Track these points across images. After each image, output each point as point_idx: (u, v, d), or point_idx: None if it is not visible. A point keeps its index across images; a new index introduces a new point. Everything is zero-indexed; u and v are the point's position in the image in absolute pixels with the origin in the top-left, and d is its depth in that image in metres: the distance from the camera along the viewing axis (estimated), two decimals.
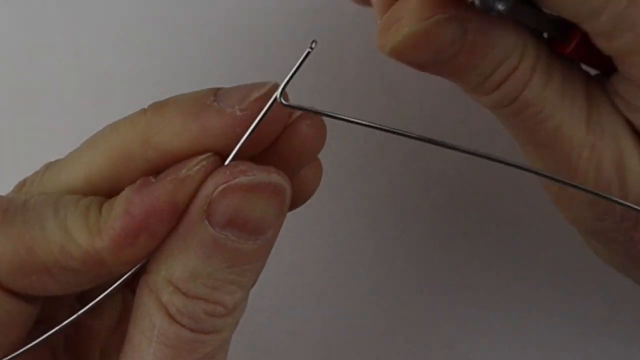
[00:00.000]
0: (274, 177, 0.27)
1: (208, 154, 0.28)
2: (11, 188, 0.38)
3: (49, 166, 0.30)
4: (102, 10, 0.41)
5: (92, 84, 0.41)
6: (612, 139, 0.30)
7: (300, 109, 0.28)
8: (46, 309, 0.31)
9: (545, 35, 0.32)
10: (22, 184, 0.31)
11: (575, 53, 0.31)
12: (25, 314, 0.29)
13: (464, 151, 0.29)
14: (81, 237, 0.28)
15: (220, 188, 0.27)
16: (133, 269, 0.28)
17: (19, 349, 0.30)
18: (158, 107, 0.28)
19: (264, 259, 0.29)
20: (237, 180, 0.27)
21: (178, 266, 0.27)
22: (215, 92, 0.28)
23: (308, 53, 0.28)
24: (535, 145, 0.31)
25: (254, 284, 0.29)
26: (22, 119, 0.41)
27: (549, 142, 0.30)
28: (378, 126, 0.29)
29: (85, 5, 0.42)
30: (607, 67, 0.31)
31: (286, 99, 0.28)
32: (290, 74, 0.28)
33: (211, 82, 0.38)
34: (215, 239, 0.27)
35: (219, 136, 0.28)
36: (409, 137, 0.29)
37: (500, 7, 0.28)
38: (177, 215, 0.27)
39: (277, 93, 0.28)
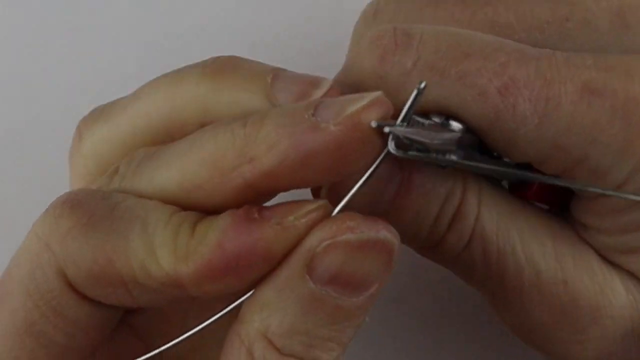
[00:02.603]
0: (383, 234, 0.26)
1: (319, 204, 0.26)
2: (12, 188, 0.38)
3: (143, 159, 0.29)
4: (103, 8, 0.41)
5: (94, 83, 0.41)
6: (585, 270, 0.29)
7: (420, 158, 0.26)
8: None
9: (504, 183, 0.31)
10: (115, 171, 0.29)
11: (536, 196, 0.30)
12: (104, 318, 0.28)
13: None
14: (165, 258, 0.26)
15: (325, 244, 0.25)
16: (237, 302, 0.27)
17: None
18: (254, 121, 0.26)
19: (365, 315, 0.27)
20: (343, 237, 0.25)
21: (274, 320, 0.26)
22: (316, 106, 0.26)
23: (417, 94, 0.26)
24: (503, 286, 0.29)
25: (351, 340, 0.27)
26: (23, 118, 0.41)
27: (516, 281, 0.29)
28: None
29: (86, 4, 0.42)
30: (563, 200, 0.30)
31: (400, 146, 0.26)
32: (402, 114, 0.26)
33: None
34: (316, 295, 0.26)
35: (315, 153, 0.26)
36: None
37: (454, 157, 0.27)
38: (271, 263, 0.26)
39: (391, 146, 0.26)
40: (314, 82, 0.27)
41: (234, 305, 0.27)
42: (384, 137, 0.26)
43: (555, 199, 0.30)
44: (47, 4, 0.41)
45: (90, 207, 0.27)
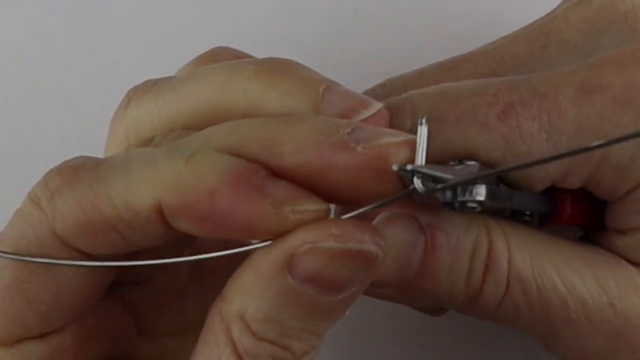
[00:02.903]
0: (367, 245, 0.26)
1: (320, 207, 0.26)
2: (13, 188, 0.38)
3: (180, 134, 0.29)
4: (105, 7, 0.41)
5: (96, 82, 0.41)
6: (629, 287, 0.29)
7: (445, 188, 0.26)
8: (132, 275, 0.30)
9: (528, 214, 0.30)
10: (149, 141, 0.29)
11: (571, 219, 0.30)
12: (95, 279, 0.28)
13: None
14: (148, 188, 0.26)
15: (306, 247, 0.25)
16: (255, 246, 0.26)
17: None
18: (295, 120, 0.26)
19: (345, 310, 0.27)
20: (325, 243, 0.25)
21: (251, 305, 0.26)
22: (355, 127, 0.26)
23: (422, 129, 0.26)
24: (551, 323, 0.29)
25: (328, 329, 0.28)
26: (24, 118, 0.41)
27: (563, 315, 0.29)
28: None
29: (88, 2, 0.42)
30: (597, 217, 0.30)
31: (426, 185, 0.26)
32: (418, 153, 0.26)
33: None
34: (293, 290, 0.26)
35: (335, 167, 0.26)
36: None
37: (480, 197, 0.27)
38: (250, 236, 0.26)
39: (417, 184, 0.26)
40: (364, 102, 0.27)
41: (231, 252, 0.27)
42: (404, 178, 0.26)
43: (588, 216, 0.30)
44: (47, 4, 0.41)
45: (76, 164, 0.27)
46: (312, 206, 0.26)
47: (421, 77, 0.32)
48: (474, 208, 0.27)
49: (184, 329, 0.33)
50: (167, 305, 0.33)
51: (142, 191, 0.26)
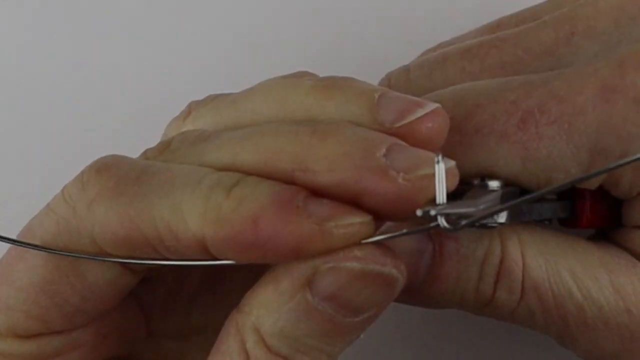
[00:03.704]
0: (388, 269, 0.25)
1: (364, 219, 0.25)
2: (13, 189, 0.38)
3: (198, 137, 0.29)
4: (105, 8, 0.41)
5: (96, 83, 0.41)
6: None
7: (471, 226, 0.25)
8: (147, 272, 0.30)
9: (548, 221, 0.30)
10: (167, 145, 0.29)
11: (591, 222, 0.30)
12: (125, 283, 0.28)
13: None
14: (193, 219, 0.26)
15: (328, 265, 0.25)
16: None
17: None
18: (324, 133, 0.26)
19: (360, 332, 0.27)
20: (346, 264, 0.25)
21: (268, 319, 0.26)
22: (389, 147, 0.26)
23: (443, 168, 0.25)
24: (568, 327, 0.29)
25: (342, 351, 0.28)
26: (25, 117, 0.41)
27: (580, 320, 0.29)
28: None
29: (89, 3, 0.42)
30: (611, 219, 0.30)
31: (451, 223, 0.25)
32: (438, 195, 0.25)
33: (214, 81, 0.38)
34: (312, 307, 0.26)
35: (372, 194, 0.25)
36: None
37: (502, 220, 0.27)
38: (296, 257, 0.26)
39: (442, 223, 0.25)
40: (419, 103, 0.27)
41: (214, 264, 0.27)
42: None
43: (607, 217, 0.30)
44: (48, 4, 0.41)
45: (117, 172, 0.27)
46: (355, 219, 0.26)
47: (445, 62, 0.32)
48: (493, 227, 0.27)
49: (188, 334, 0.33)
50: (174, 308, 0.33)
51: (187, 222, 0.26)
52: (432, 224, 0.26)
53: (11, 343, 0.29)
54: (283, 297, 0.26)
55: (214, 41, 0.40)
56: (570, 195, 0.29)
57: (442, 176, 0.25)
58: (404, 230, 0.26)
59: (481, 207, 0.25)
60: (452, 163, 0.26)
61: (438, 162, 0.25)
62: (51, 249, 0.28)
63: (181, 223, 0.26)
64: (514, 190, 0.28)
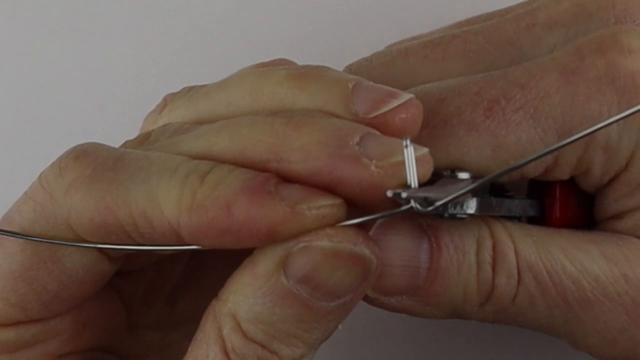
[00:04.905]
0: (359, 248, 0.26)
1: (335, 202, 0.26)
2: (13, 189, 0.38)
3: (177, 130, 0.29)
4: (105, 7, 0.41)
5: (96, 82, 0.41)
6: (637, 256, 0.29)
7: (440, 211, 0.27)
8: (126, 264, 0.30)
9: (517, 218, 0.30)
10: (146, 137, 0.29)
11: (560, 221, 0.30)
12: (102, 270, 0.29)
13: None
14: (168, 207, 0.26)
15: (300, 245, 0.26)
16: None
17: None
18: (297, 123, 0.26)
19: (338, 321, 0.27)
20: (318, 243, 0.26)
21: (244, 304, 0.26)
22: (363, 136, 0.26)
23: (412, 151, 0.26)
24: (571, 308, 0.29)
25: (321, 343, 0.28)
26: (25, 117, 0.41)
27: (580, 296, 0.29)
28: None
29: (89, 2, 0.42)
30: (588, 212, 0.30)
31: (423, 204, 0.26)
32: (408, 177, 0.26)
33: (215, 79, 0.38)
34: (287, 290, 0.26)
35: (346, 182, 0.26)
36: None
37: (471, 210, 0.27)
38: (271, 241, 0.26)
39: (415, 205, 0.26)
40: (393, 93, 0.27)
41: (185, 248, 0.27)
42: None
43: (577, 216, 0.30)
44: (48, 3, 0.41)
45: (95, 159, 0.27)
46: (327, 201, 0.26)
47: (407, 53, 0.32)
48: (462, 219, 0.28)
49: (172, 325, 0.33)
50: (155, 301, 0.33)
51: (162, 208, 0.26)
52: (405, 207, 0.26)
53: None
54: (258, 281, 0.26)
55: (213, 41, 0.40)
56: (540, 195, 0.30)
57: (412, 160, 0.26)
58: (378, 215, 0.26)
59: (451, 192, 0.26)
60: (425, 150, 0.26)
61: (407, 146, 0.26)
62: (29, 237, 0.28)
63: (156, 209, 0.26)
64: (484, 186, 0.28)
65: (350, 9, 0.40)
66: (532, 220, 0.30)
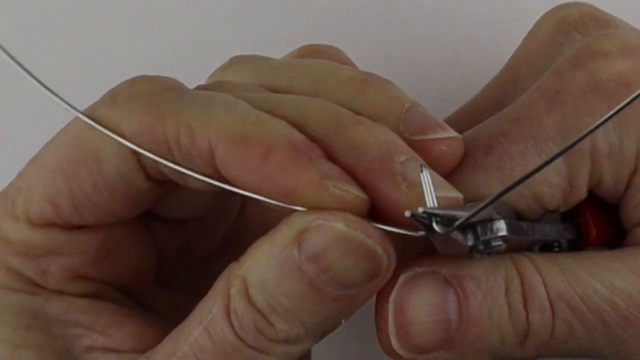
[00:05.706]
0: (372, 242, 0.27)
1: (362, 196, 0.27)
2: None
3: (248, 87, 0.30)
4: (105, 7, 0.41)
5: (98, 81, 0.41)
6: None
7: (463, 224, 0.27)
8: (164, 207, 0.32)
9: (556, 245, 0.31)
10: (219, 84, 0.31)
11: (598, 239, 0.30)
12: (138, 185, 0.30)
13: None
14: (214, 127, 0.28)
15: (317, 222, 0.27)
16: None
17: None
18: (362, 121, 0.28)
19: (341, 314, 0.28)
20: (334, 223, 0.27)
21: (256, 270, 0.27)
22: (408, 159, 0.28)
23: (428, 175, 0.27)
24: (609, 329, 0.29)
25: (320, 336, 0.28)
26: (25, 117, 0.41)
27: (614, 318, 0.29)
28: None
29: (89, 2, 0.42)
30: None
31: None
32: (427, 197, 0.27)
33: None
34: (297, 266, 0.27)
35: (375, 188, 0.28)
36: None
37: (502, 232, 0.27)
38: (286, 198, 0.27)
39: (436, 226, 0.26)
40: (442, 125, 0.29)
41: None
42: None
43: (613, 232, 0.30)
44: (48, 3, 0.41)
45: (162, 80, 0.29)
46: (355, 190, 0.27)
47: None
48: (499, 245, 0.28)
49: (203, 291, 0.33)
50: (190, 263, 0.34)
51: (209, 127, 0.27)
52: (425, 233, 0.27)
53: (22, 228, 0.30)
54: (274, 250, 0.27)
55: (213, 41, 0.40)
56: (573, 218, 0.30)
57: (428, 181, 0.26)
58: (400, 230, 0.27)
59: (474, 211, 0.26)
60: (460, 196, 0.27)
61: (422, 170, 0.26)
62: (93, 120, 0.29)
63: (204, 126, 0.27)
64: (508, 209, 0.28)
65: (351, 9, 0.40)
66: (571, 245, 0.31)
